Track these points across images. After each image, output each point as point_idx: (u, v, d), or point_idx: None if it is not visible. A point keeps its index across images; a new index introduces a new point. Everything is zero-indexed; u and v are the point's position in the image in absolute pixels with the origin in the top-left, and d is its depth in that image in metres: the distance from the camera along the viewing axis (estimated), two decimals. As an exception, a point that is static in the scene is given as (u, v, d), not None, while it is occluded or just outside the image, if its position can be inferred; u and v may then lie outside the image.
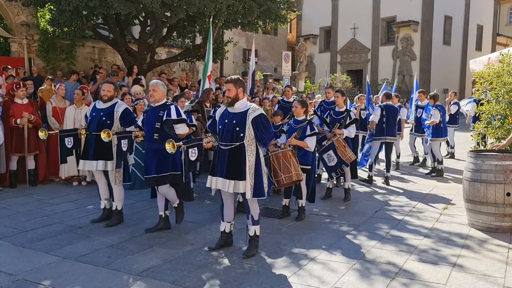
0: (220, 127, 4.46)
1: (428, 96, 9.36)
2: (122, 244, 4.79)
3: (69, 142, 5.47)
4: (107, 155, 5.29)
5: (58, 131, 5.77)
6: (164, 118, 4.97)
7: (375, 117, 8.01)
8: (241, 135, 4.30)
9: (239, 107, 4.39)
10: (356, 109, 9.25)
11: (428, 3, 28.13)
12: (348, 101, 10.98)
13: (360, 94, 10.59)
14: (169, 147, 4.36)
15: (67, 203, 6.60)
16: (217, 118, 4.55)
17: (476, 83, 6.86)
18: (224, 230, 4.63)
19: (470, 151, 5.62)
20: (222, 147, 4.41)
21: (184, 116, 5.18)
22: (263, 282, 3.84)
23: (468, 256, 4.41)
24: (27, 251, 4.56)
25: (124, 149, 5.25)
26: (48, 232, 5.19)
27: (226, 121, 4.39)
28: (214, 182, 4.44)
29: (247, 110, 4.35)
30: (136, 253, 4.50)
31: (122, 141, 5.23)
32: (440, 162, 8.95)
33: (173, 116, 5.00)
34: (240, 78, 4.54)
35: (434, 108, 8.91)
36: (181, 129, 5.08)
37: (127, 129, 5.45)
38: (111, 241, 4.88)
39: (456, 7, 30.04)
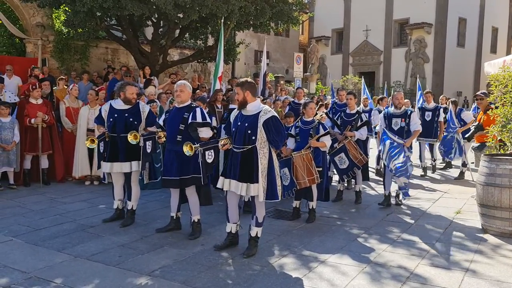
0: (233, 129, 4.46)
1: (450, 102, 9.22)
2: (133, 243, 4.82)
3: (101, 146, 5.50)
4: (138, 155, 5.31)
5: (97, 137, 5.72)
6: (190, 120, 4.90)
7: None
8: (253, 138, 4.29)
9: (251, 109, 4.38)
10: (380, 111, 9.25)
11: (442, 5, 27.86)
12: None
13: (382, 96, 10.34)
14: (186, 150, 4.39)
15: (79, 202, 6.68)
16: (231, 121, 4.55)
17: (491, 85, 6.76)
18: (230, 231, 4.64)
19: (484, 154, 5.53)
20: (235, 149, 4.41)
21: (209, 119, 5.06)
22: (273, 284, 3.83)
23: (481, 261, 4.35)
24: (40, 249, 4.62)
25: (149, 150, 5.29)
26: (61, 230, 5.25)
27: (239, 123, 4.40)
28: (227, 184, 4.45)
29: (259, 112, 4.34)
30: (147, 253, 4.53)
31: (147, 142, 5.27)
32: (464, 165, 8.82)
33: (199, 119, 4.90)
34: (248, 80, 4.50)
35: (468, 110, 8.96)
36: (205, 133, 4.96)
37: (149, 129, 5.50)
38: (122, 240, 4.92)
39: (470, 9, 29.71)
